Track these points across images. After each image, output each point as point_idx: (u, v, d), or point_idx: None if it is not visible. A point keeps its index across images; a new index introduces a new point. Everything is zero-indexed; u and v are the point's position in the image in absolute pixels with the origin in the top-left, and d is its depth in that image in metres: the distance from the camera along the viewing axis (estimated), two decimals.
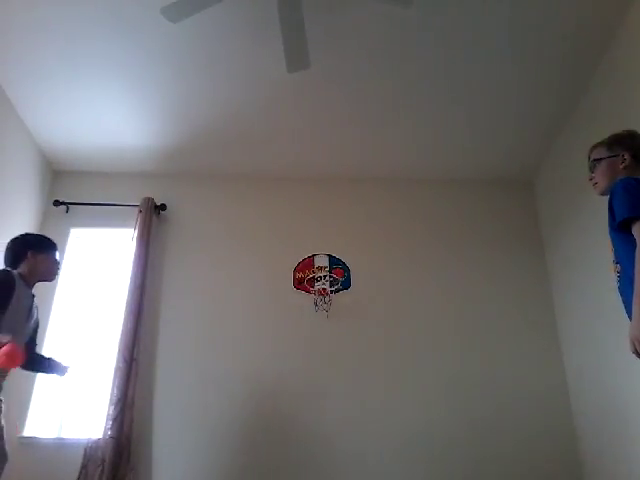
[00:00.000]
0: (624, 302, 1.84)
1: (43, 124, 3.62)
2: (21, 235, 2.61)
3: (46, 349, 3.55)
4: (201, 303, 3.72)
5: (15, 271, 2.40)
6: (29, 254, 2.48)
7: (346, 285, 3.81)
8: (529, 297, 3.81)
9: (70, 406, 3.48)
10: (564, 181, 3.62)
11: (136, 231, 3.76)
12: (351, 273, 3.84)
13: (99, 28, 2.92)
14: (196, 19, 2.67)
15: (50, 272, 2.55)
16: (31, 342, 2.56)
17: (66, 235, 3.87)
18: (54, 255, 2.58)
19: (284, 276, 3.81)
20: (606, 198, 1.91)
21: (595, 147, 2.06)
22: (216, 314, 3.70)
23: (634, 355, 1.70)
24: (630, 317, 1.73)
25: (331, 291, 3.76)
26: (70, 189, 4.00)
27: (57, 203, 3.89)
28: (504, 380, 3.56)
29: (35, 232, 3.71)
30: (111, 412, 3.21)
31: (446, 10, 2.82)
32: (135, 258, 3.65)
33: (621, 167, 1.95)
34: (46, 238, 2.63)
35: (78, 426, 3.40)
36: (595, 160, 2.02)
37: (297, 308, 3.71)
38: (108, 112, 3.52)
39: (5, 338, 1.99)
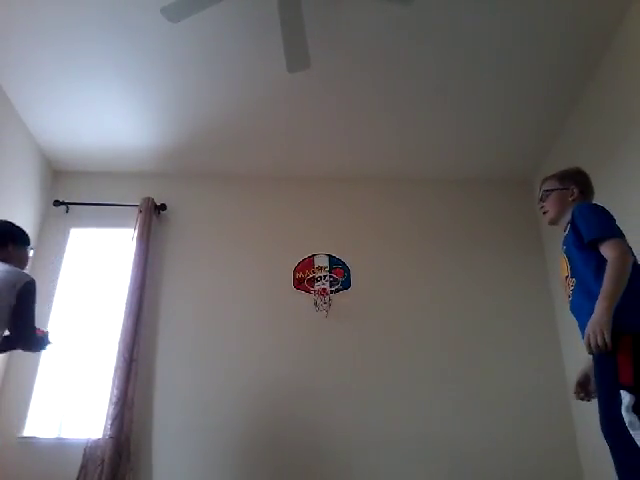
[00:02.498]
0: (579, 318, 1.95)
1: (43, 124, 3.62)
2: (3, 222, 2.50)
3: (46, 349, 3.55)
4: (201, 303, 3.72)
5: None
6: (10, 246, 2.41)
7: (346, 285, 3.81)
8: (529, 296, 3.81)
9: (70, 406, 3.48)
10: None
11: (136, 231, 3.76)
12: (351, 273, 3.84)
13: (99, 29, 2.92)
14: (196, 19, 2.67)
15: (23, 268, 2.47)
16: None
17: (66, 235, 3.88)
18: (28, 251, 2.54)
19: (284, 276, 3.81)
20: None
21: (547, 179, 2.23)
22: (216, 314, 3.69)
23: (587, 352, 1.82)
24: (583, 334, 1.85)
25: (331, 291, 3.76)
26: (70, 189, 4.00)
27: (57, 203, 3.89)
28: (504, 379, 3.55)
29: (35, 232, 3.74)
30: (111, 412, 3.21)
31: (447, 9, 2.82)
32: (135, 258, 3.65)
33: (570, 199, 2.13)
34: (25, 232, 2.53)
35: (78, 426, 3.39)
36: (547, 191, 2.19)
37: (297, 308, 3.71)
38: (108, 112, 3.52)
39: None
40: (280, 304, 3.73)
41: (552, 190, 2.18)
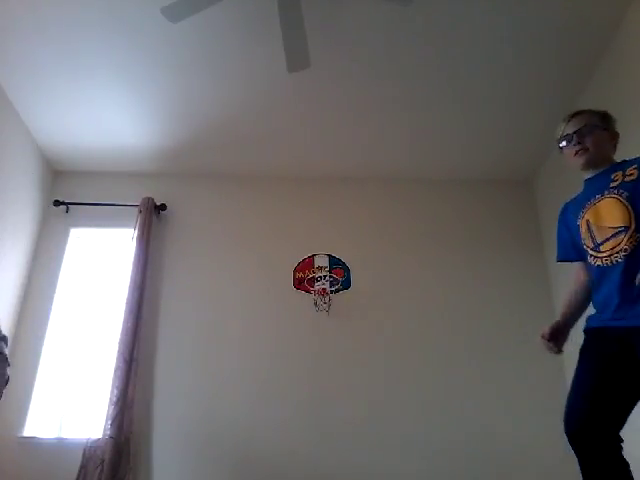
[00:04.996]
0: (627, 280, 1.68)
1: (43, 124, 3.62)
2: None
3: (46, 350, 3.55)
4: (201, 303, 3.72)
5: None
6: None
7: (346, 285, 3.81)
8: (529, 297, 3.81)
9: (70, 406, 3.48)
10: (564, 181, 3.61)
11: (136, 231, 3.76)
12: (351, 273, 3.84)
13: (99, 28, 2.92)
14: (196, 19, 2.67)
15: None
16: None
17: (66, 235, 3.87)
18: None
19: (284, 276, 3.81)
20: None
21: (581, 113, 1.92)
22: (216, 314, 3.70)
23: None
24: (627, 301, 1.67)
25: (331, 291, 3.76)
26: (70, 189, 4.00)
27: (57, 203, 3.89)
28: (504, 379, 3.56)
29: (35, 232, 3.73)
30: (111, 412, 3.21)
31: (447, 9, 2.82)
32: (135, 258, 3.65)
33: (612, 143, 1.91)
34: None
35: (78, 426, 3.39)
36: (589, 126, 1.87)
37: (297, 308, 3.71)
38: (108, 112, 3.52)
39: None
40: (280, 304, 3.73)
41: (595, 127, 1.87)
